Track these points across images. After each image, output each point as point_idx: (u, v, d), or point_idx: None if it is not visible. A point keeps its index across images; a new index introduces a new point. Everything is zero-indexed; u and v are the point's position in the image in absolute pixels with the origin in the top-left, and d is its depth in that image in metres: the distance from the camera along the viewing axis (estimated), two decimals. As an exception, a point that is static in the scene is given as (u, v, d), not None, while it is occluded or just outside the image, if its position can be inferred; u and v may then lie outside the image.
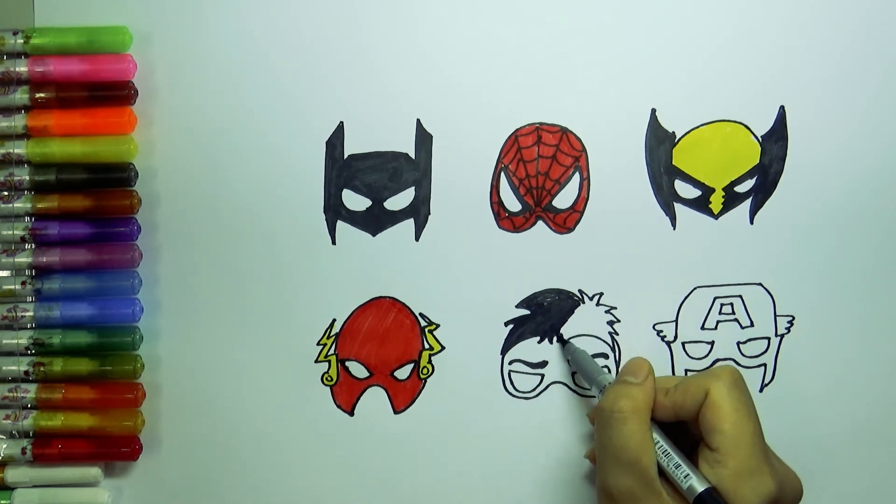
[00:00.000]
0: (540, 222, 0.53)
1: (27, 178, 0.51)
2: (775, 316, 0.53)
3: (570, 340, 0.52)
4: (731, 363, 0.53)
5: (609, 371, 0.53)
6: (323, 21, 0.52)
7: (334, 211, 0.53)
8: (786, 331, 0.53)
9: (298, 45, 0.52)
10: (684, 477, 0.44)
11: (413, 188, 0.53)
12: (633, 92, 0.52)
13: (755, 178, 0.52)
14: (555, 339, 0.53)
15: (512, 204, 0.52)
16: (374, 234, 0.53)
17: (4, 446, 0.52)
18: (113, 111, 0.52)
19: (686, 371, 0.53)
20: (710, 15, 0.52)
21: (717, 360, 0.53)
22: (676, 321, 0.53)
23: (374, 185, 0.53)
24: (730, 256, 0.53)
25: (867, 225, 0.53)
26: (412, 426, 0.53)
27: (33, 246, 0.52)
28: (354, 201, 0.53)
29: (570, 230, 0.53)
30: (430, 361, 0.53)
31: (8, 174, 0.51)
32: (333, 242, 0.53)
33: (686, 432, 0.47)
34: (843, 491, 0.53)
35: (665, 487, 0.44)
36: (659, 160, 0.52)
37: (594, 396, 0.53)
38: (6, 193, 0.52)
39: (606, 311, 0.53)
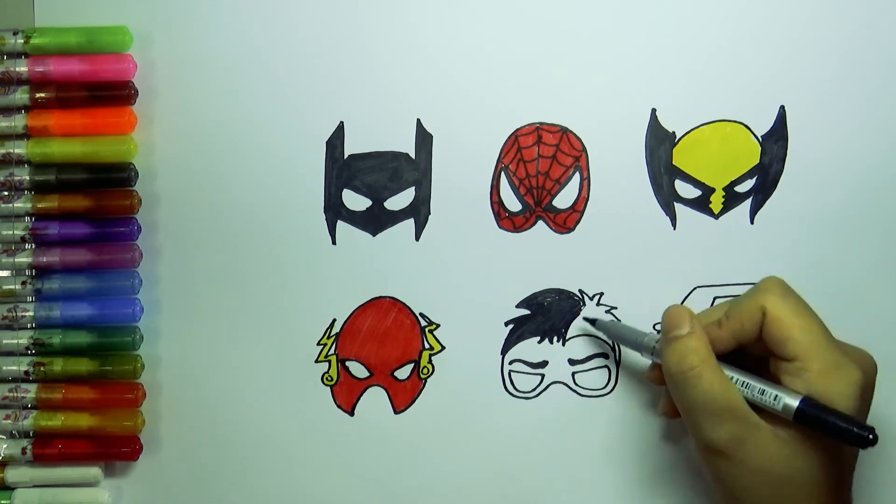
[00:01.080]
0: (540, 222, 0.53)
1: (27, 178, 0.51)
2: (775, 316, 0.53)
3: (598, 318, 0.52)
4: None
5: (615, 359, 0.53)
6: (323, 21, 0.52)
7: (334, 211, 0.53)
8: (786, 331, 0.53)
9: (298, 45, 0.52)
10: (774, 399, 0.43)
11: (413, 188, 0.53)
12: (633, 92, 0.52)
13: (755, 178, 0.52)
14: (584, 322, 0.53)
15: (512, 204, 0.52)
16: (374, 234, 0.53)
17: (4, 446, 0.52)
18: (113, 111, 0.52)
19: (686, 371, 0.53)
20: (710, 15, 0.52)
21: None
22: (676, 321, 0.53)
23: (374, 185, 0.53)
24: (730, 256, 0.53)
25: (867, 225, 0.53)
26: (412, 426, 0.53)
27: (33, 246, 0.52)
28: (354, 201, 0.53)
29: (570, 230, 0.53)
30: (430, 361, 0.53)
31: (8, 174, 0.51)
32: (333, 242, 0.53)
33: (741, 356, 0.46)
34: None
35: (765, 419, 0.43)
36: (659, 160, 0.52)
37: (597, 396, 0.53)
38: (6, 193, 0.52)
39: (606, 311, 0.53)
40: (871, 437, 0.40)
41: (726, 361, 0.46)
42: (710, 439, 0.44)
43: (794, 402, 0.42)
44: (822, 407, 0.42)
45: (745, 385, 0.44)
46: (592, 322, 0.52)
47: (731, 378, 0.45)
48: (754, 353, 0.46)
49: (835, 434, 0.41)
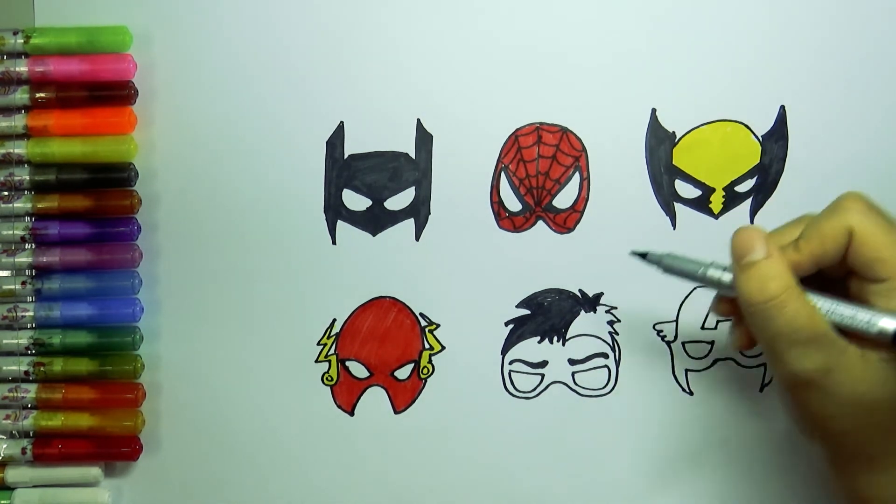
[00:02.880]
0: (540, 222, 0.53)
1: (27, 178, 0.51)
2: (775, 316, 0.53)
3: (649, 251, 0.46)
4: (731, 363, 0.53)
5: (615, 359, 0.53)
6: (323, 21, 0.52)
7: (334, 211, 0.53)
8: (786, 330, 0.53)
9: (298, 45, 0.52)
10: (867, 322, 0.40)
11: (413, 188, 0.53)
12: (633, 92, 0.52)
13: (755, 178, 0.52)
14: (636, 256, 0.46)
15: (512, 204, 0.52)
16: (374, 234, 0.53)
17: (4, 446, 0.52)
18: (113, 111, 0.52)
19: (686, 371, 0.53)
20: (710, 15, 0.52)
21: (717, 360, 0.53)
22: (676, 321, 0.53)
23: (374, 185, 0.53)
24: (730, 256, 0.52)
25: (867, 225, 0.53)
26: (412, 426, 0.53)
27: (33, 246, 0.52)
28: (354, 201, 0.53)
29: (570, 230, 0.53)
30: (430, 361, 0.53)
31: (8, 174, 0.51)
32: (333, 242, 0.53)
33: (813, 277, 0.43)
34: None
35: (852, 342, 0.40)
36: (659, 160, 0.52)
37: (597, 396, 0.53)
38: (6, 193, 0.52)
39: (606, 311, 0.53)
40: None
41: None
42: (797, 371, 0.40)
43: (890, 325, 0.39)
44: None
45: (831, 311, 0.41)
46: (643, 255, 0.46)
47: (816, 303, 0.41)
48: (831, 275, 0.42)
49: None
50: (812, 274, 0.42)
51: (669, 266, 0.45)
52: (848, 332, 0.40)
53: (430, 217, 0.53)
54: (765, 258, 0.41)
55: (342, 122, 0.52)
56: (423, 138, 0.52)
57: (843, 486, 0.42)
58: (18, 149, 0.51)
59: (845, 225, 0.41)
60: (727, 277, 0.43)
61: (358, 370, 0.53)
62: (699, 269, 0.44)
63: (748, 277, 0.41)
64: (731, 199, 0.52)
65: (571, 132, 0.52)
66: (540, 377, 0.53)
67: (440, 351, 0.53)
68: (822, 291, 0.41)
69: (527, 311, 0.53)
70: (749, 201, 0.52)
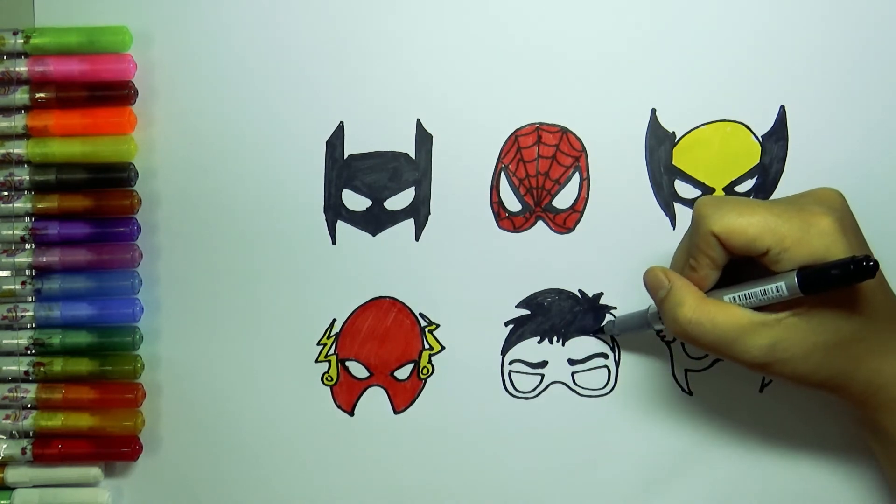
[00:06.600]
0: (540, 222, 0.53)
1: (27, 178, 0.52)
2: (775, 316, 0.53)
3: (603, 324, 0.53)
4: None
5: (615, 360, 0.53)
6: (323, 21, 0.52)
7: (334, 211, 0.53)
8: (786, 331, 0.53)
9: (299, 45, 0.52)
10: (777, 289, 0.43)
11: (413, 188, 0.53)
12: (633, 92, 0.52)
13: (755, 178, 0.52)
14: (592, 332, 0.53)
15: (512, 204, 0.52)
16: (374, 234, 0.53)
17: (4, 446, 0.52)
18: (113, 111, 0.52)
19: (686, 371, 0.53)
20: (710, 15, 0.52)
21: (717, 361, 0.53)
22: (676, 321, 0.53)
23: (374, 185, 0.53)
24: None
25: (867, 225, 0.52)
26: (412, 426, 0.53)
27: (33, 246, 0.52)
28: (354, 201, 0.53)
29: (570, 230, 0.53)
30: (430, 361, 0.53)
31: (8, 174, 0.51)
32: (333, 242, 0.53)
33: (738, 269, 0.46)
34: (844, 491, 0.53)
35: (782, 312, 0.44)
36: (659, 160, 0.52)
37: (597, 396, 0.53)
38: (6, 193, 0.52)
39: (607, 312, 0.53)
40: (871, 263, 0.40)
41: (722, 284, 0.46)
42: (749, 360, 0.44)
43: (792, 279, 0.42)
44: (816, 266, 0.42)
45: (744, 296, 0.44)
46: (600, 332, 0.52)
47: (732, 299, 0.45)
48: (743, 261, 0.45)
49: (840, 279, 0.41)
50: (732, 269, 0.45)
51: (621, 327, 0.52)
52: (775, 306, 0.44)
53: (429, 217, 0.53)
54: (668, 290, 0.46)
55: (342, 122, 0.52)
56: (423, 138, 0.52)
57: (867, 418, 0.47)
58: (18, 149, 0.51)
59: (708, 231, 0.44)
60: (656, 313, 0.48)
61: (358, 370, 0.53)
62: (641, 317, 0.50)
63: (664, 312, 0.46)
64: (731, 199, 0.52)
65: (571, 132, 0.52)
66: (540, 377, 0.53)
67: (440, 351, 0.53)
68: (733, 284, 0.45)
69: (527, 312, 0.53)
70: (749, 201, 0.52)
